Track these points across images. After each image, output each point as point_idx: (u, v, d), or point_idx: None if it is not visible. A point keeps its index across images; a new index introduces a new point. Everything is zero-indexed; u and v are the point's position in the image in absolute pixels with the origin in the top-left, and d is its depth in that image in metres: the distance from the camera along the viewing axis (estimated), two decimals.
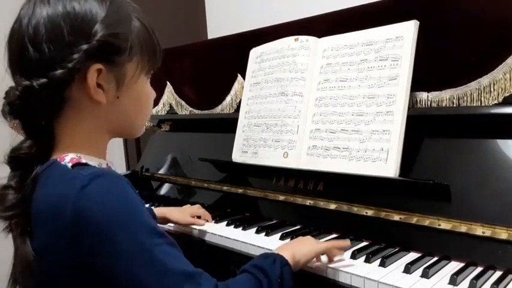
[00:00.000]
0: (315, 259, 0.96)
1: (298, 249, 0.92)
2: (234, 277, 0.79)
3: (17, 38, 0.68)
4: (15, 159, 0.71)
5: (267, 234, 1.15)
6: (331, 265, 0.95)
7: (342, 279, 0.92)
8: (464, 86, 1.04)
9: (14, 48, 0.70)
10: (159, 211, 1.27)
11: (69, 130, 0.72)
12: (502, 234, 0.88)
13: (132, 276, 0.65)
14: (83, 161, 0.70)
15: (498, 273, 0.87)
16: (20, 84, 0.67)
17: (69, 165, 0.69)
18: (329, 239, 1.09)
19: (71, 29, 0.67)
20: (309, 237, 1.01)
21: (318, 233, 1.13)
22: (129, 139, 2.33)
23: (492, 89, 0.99)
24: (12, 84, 0.71)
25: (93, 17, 0.68)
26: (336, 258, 0.97)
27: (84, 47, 0.66)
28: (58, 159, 0.70)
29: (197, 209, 1.34)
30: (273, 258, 0.85)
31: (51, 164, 0.70)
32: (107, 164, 0.76)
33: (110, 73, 0.70)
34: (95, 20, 0.68)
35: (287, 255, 0.87)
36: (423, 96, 1.10)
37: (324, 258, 0.98)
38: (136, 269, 0.65)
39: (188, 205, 1.37)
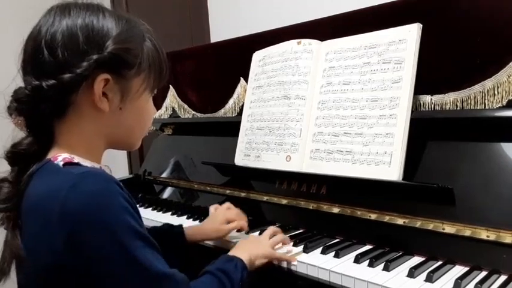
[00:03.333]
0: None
1: (254, 252, 0.97)
2: (199, 277, 0.83)
3: (34, 42, 0.73)
4: (14, 154, 0.75)
5: (269, 238, 1.14)
6: (334, 269, 0.94)
7: (345, 283, 0.92)
8: (468, 89, 1.03)
9: (29, 51, 0.74)
10: (191, 232, 1.16)
11: (69, 132, 0.76)
12: (507, 238, 0.88)
13: (113, 276, 0.67)
14: (75, 160, 0.73)
15: (503, 278, 0.86)
16: (30, 84, 0.71)
17: (61, 164, 0.72)
18: (334, 242, 1.08)
19: (86, 39, 0.72)
20: (262, 237, 1.06)
21: (321, 237, 1.12)
22: None
23: (496, 92, 0.99)
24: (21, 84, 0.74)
25: (108, 31, 0.73)
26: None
27: (95, 56, 0.71)
28: (51, 159, 0.73)
29: (227, 211, 1.19)
30: (234, 263, 0.90)
31: (45, 163, 0.73)
32: (100, 168, 0.78)
33: (116, 84, 0.75)
34: (109, 35, 0.73)
35: (245, 259, 0.92)
36: (427, 99, 1.09)
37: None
38: (117, 270, 0.67)
39: (215, 210, 1.22)
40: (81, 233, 0.66)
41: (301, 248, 1.07)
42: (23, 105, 0.72)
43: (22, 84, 0.74)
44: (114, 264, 0.67)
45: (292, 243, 1.09)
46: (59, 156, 0.73)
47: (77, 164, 0.73)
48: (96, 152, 0.80)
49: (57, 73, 0.70)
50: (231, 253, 0.95)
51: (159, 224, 1.23)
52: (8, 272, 0.73)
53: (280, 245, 1.07)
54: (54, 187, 0.68)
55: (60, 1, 0.76)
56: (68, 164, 0.72)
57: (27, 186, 0.72)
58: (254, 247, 1.00)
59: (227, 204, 1.22)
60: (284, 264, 1.03)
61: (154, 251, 0.72)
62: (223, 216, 1.18)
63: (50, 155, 0.74)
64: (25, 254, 0.69)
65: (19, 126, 0.75)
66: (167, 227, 1.20)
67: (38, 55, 0.71)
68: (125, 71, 0.75)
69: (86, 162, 0.75)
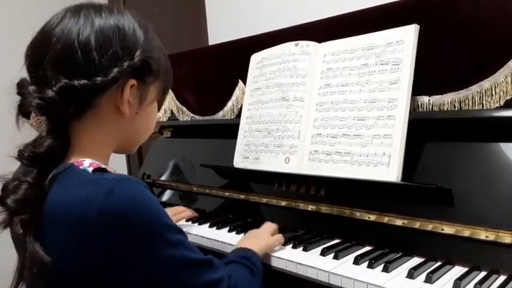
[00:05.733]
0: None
1: (259, 244, 1.01)
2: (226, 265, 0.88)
3: (65, 41, 0.72)
4: (35, 154, 0.72)
5: (267, 231, 1.14)
6: (333, 271, 0.94)
7: (345, 285, 0.91)
8: (466, 89, 1.03)
9: (58, 49, 0.72)
10: None
11: (85, 135, 0.75)
12: (506, 238, 0.88)
13: (164, 274, 0.69)
14: (102, 166, 0.73)
15: (502, 278, 0.86)
16: (59, 82, 0.70)
17: (90, 169, 0.71)
18: (333, 243, 1.08)
19: (120, 44, 0.74)
20: (261, 230, 1.11)
21: (320, 239, 1.12)
22: None
23: (494, 92, 0.99)
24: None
25: (137, 38, 0.77)
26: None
27: (128, 62, 0.74)
28: (75, 164, 0.72)
29: (179, 211, 1.40)
30: (250, 251, 0.96)
31: (68, 168, 0.72)
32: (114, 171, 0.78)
33: (138, 90, 0.78)
34: (139, 42, 0.77)
35: (255, 250, 0.97)
36: (424, 100, 1.09)
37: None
38: (166, 267, 0.69)
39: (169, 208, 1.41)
40: (123, 238, 0.65)
41: (300, 249, 1.07)
42: (50, 104, 0.70)
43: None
44: (160, 262, 0.69)
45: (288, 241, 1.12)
46: (84, 162, 0.72)
47: (105, 169, 0.73)
48: (107, 156, 0.80)
49: (90, 74, 0.71)
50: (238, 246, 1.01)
51: None
52: (26, 277, 0.71)
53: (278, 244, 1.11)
54: (87, 194, 0.67)
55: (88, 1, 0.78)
56: (97, 169, 0.71)
57: (49, 190, 0.70)
58: (258, 240, 1.04)
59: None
60: (282, 266, 1.03)
61: (189, 242, 0.75)
62: (173, 210, 1.39)
63: (71, 159, 0.73)
64: (49, 262, 0.67)
65: (38, 126, 0.73)
66: None
67: (72, 55, 0.71)
68: (146, 77, 0.78)
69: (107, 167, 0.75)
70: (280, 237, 1.10)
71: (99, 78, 0.71)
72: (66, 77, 0.70)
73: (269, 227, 1.13)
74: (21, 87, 0.73)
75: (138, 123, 0.82)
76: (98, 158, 0.76)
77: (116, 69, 0.72)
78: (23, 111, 0.74)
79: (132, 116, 0.78)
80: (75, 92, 0.70)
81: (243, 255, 0.93)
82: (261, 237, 1.07)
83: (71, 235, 0.67)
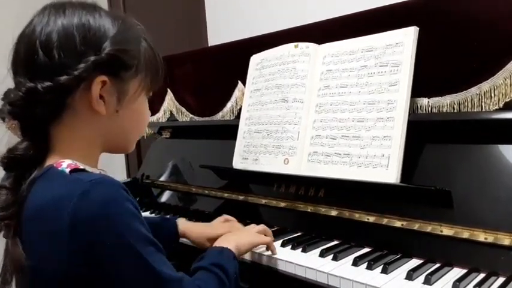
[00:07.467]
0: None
1: (241, 240, 0.98)
2: (194, 275, 0.82)
3: (28, 42, 0.70)
4: (11, 159, 0.72)
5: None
6: (332, 272, 0.94)
7: (344, 286, 0.91)
8: (465, 91, 1.03)
9: (22, 51, 0.71)
10: (183, 226, 1.16)
11: (65, 136, 0.74)
12: (505, 240, 0.88)
13: (124, 282, 0.67)
14: (81, 166, 0.72)
15: (501, 280, 0.86)
16: (24, 86, 0.69)
17: (67, 170, 0.70)
18: (332, 245, 1.08)
19: (83, 40, 0.70)
20: (249, 227, 1.10)
21: (319, 240, 1.12)
22: None
23: (493, 95, 0.99)
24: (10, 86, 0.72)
25: (105, 32, 0.72)
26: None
27: (93, 58, 0.69)
28: (55, 165, 0.71)
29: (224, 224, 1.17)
30: (226, 254, 0.90)
31: (48, 170, 0.71)
32: (100, 173, 0.77)
33: (113, 86, 0.73)
34: (107, 35, 0.72)
35: (233, 248, 0.92)
36: (424, 101, 1.09)
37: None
38: (129, 276, 0.67)
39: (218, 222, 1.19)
40: (93, 242, 0.65)
41: (299, 250, 1.07)
42: (17, 108, 0.69)
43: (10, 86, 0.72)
44: (126, 271, 0.67)
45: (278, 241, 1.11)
46: (63, 163, 0.71)
47: (83, 170, 0.71)
48: (93, 156, 0.78)
49: (53, 75, 0.68)
50: (217, 244, 0.94)
51: None
52: (11, 281, 0.71)
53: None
54: (62, 194, 0.66)
55: (54, 0, 0.74)
56: (74, 170, 0.70)
57: (29, 192, 0.70)
58: (239, 236, 1.01)
59: (225, 217, 1.21)
60: (281, 267, 1.03)
61: (162, 256, 0.72)
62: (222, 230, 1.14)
63: (50, 161, 0.72)
64: (28, 263, 0.67)
65: (13, 131, 0.73)
66: (161, 220, 1.22)
67: (33, 56, 0.69)
68: (122, 72, 0.73)
69: (88, 168, 0.73)
70: (266, 239, 1.05)
71: (62, 78, 0.67)
72: (31, 80, 0.69)
73: (257, 226, 1.09)
74: (4, 94, 0.73)
75: (123, 121, 0.77)
76: (82, 158, 0.74)
77: (80, 66, 0.68)
78: (2, 116, 0.73)
79: (111, 114, 0.74)
80: (39, 95, 0.68)
81: (217, 262, 0.85)
82: (246, 234, 1.04)
83: (45, 236, 0.67)
